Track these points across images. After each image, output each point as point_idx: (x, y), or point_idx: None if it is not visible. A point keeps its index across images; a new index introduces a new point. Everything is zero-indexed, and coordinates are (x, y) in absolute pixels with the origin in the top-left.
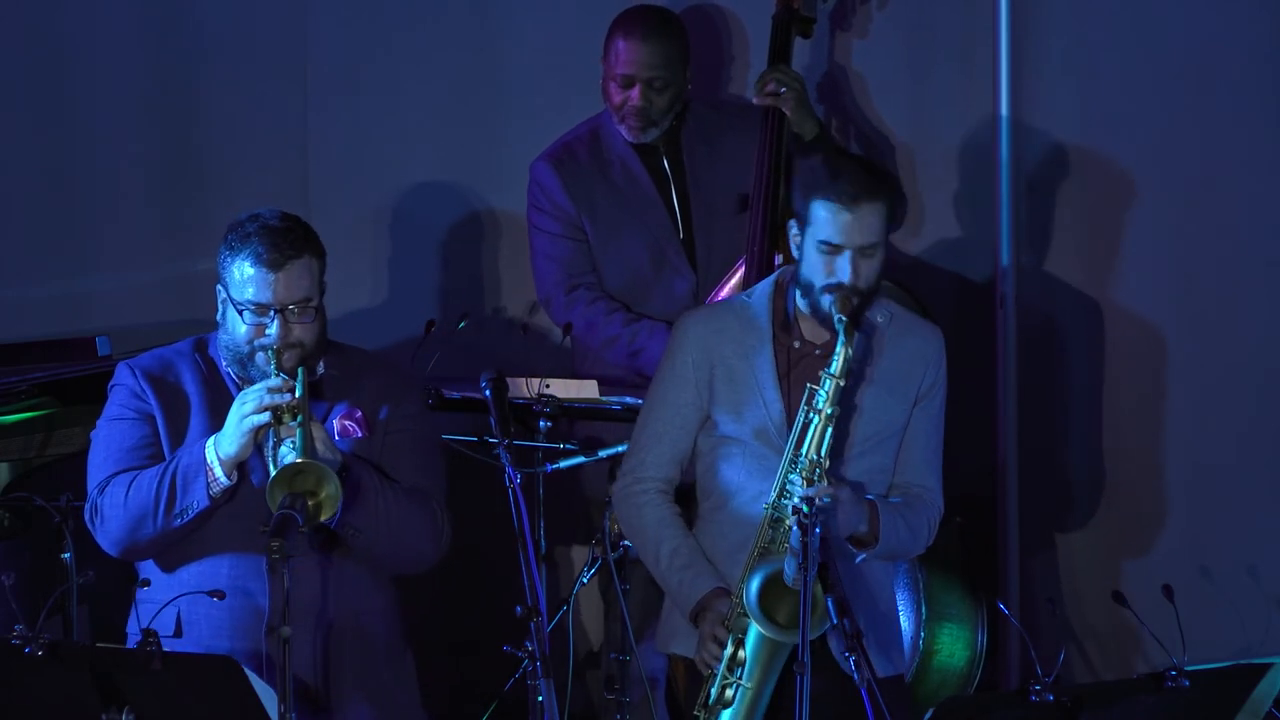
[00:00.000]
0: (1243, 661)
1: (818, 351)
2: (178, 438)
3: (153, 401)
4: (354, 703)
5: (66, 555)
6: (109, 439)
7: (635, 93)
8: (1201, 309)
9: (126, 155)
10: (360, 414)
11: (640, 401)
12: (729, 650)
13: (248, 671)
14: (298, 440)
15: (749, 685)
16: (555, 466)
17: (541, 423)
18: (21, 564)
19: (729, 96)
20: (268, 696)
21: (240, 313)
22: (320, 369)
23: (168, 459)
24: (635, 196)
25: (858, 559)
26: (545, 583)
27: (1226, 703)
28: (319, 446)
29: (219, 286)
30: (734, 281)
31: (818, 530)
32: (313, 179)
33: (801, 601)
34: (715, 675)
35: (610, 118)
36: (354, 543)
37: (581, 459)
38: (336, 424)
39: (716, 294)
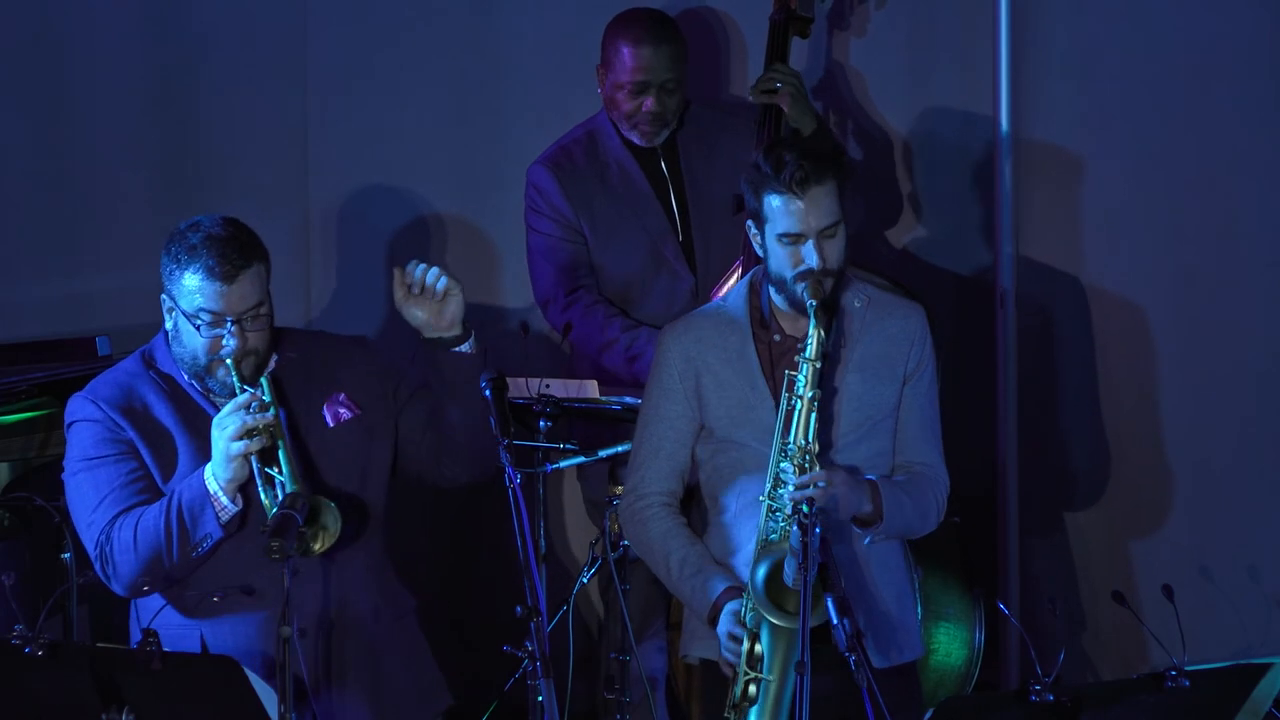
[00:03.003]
0: (1243, 661)
1: (800, 345)
2: (167, 464)
3: (131, 432)
4: (362, 697)
5: (66, 555)
6: (96, 483)
7: (650, 99)
8: (1201, 308)
9: (126, 155)
10: (343, 395)
11: (639, 402)
12: (745, 645)
13: (248, 672)
14: (284, 472)
15: (770, 678)
16: (555, 466)
17: (541, 423)
18: (21, 564)
19: (726, 97)
20: (268, 697)
21: (196, 326)
22: (273, 361)
23: (168, 494)
24: (633, 198)
25: (865, 540)
26: (545, 583)
27: (1226, 703)
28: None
29: (164, 297)
30: (731, 282)
31: (818, 530)
32: (313, 178)
33: (802, 601)
34: (738, 673)
35: (605, 121)
36: (452, 443)
37: (581, 459)
38: (328, 412)
39: (715, 294)
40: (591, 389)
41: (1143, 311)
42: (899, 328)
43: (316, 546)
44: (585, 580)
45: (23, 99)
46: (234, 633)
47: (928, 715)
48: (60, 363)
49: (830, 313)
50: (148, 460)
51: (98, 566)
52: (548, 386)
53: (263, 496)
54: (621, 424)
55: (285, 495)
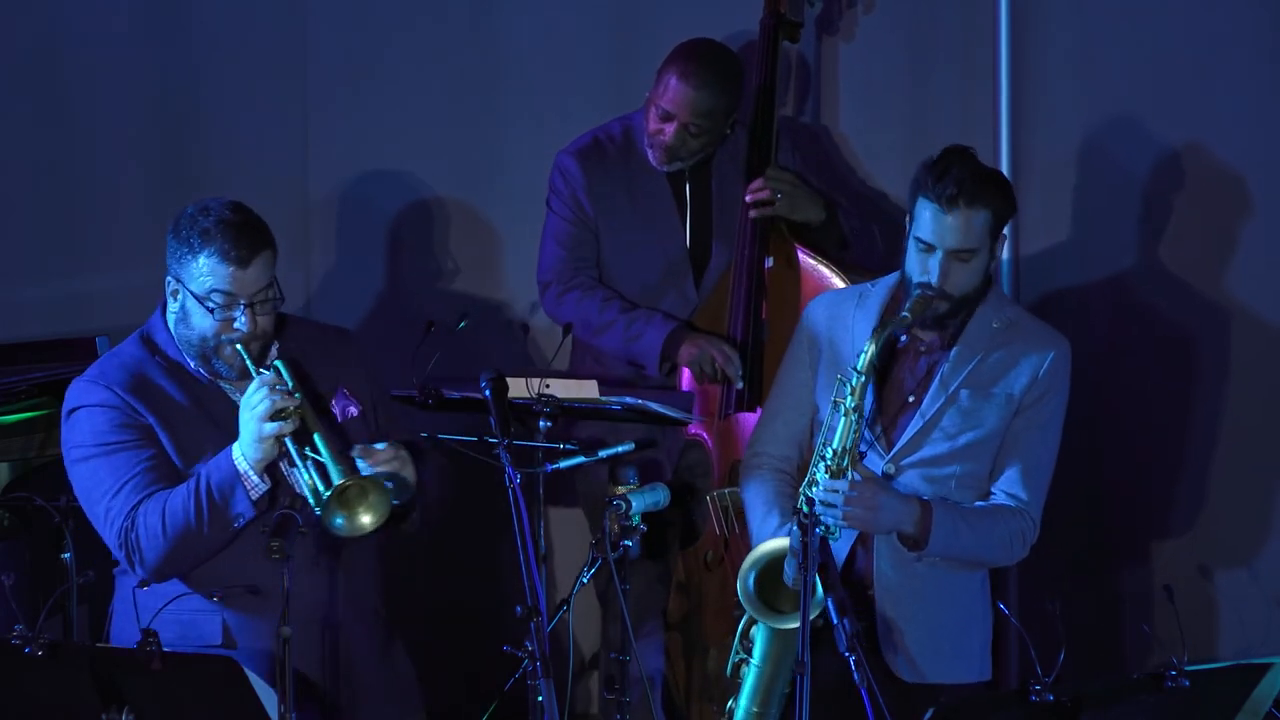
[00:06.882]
0: (1243, 661)
1: (923, 346)
2: (184, 448)
3: (148, 416)
4: (363, 698)
5: (66, 555)
6: (115, 468)
7: (670, 130)
8: (1200, 307)
9: (126, 155)
10: (344, 390)
11: (639, 402)
12: (744, 621)
13: (248, 672)
14: (323, 454)
15: (758, 665)
16: (555, 466)
17: (541, 423)
18: (21, 564)
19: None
20: (268, 696)
21: (210, 309)
22: (274, 348)
23: (193, 476)
24: (654, 209)
25: (917, 560)
26: (545, 583)
27: (1226, 703)
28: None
29: (169, 279)
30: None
31: (818, 530)
32: (312, 179)
33: (802, 601)
34: (732, 648)
35: (643, 121)
36: (410, 529)
37: (581, 459)
38: (337, 407)
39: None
40: (591, 389)
41: (1141, 311)
42: (1024, 357)
43: (366, 521)
44: (585, 580)
45: (23, 100)
46: (258, 619)
47: (928, 715)
48: (60, 363)
49: (952, 334)
50: (165, 444)
51: (121, 555)
52: (548, 386)
53: (302, 476)
54: (622, 424)
55: (286, 496)
